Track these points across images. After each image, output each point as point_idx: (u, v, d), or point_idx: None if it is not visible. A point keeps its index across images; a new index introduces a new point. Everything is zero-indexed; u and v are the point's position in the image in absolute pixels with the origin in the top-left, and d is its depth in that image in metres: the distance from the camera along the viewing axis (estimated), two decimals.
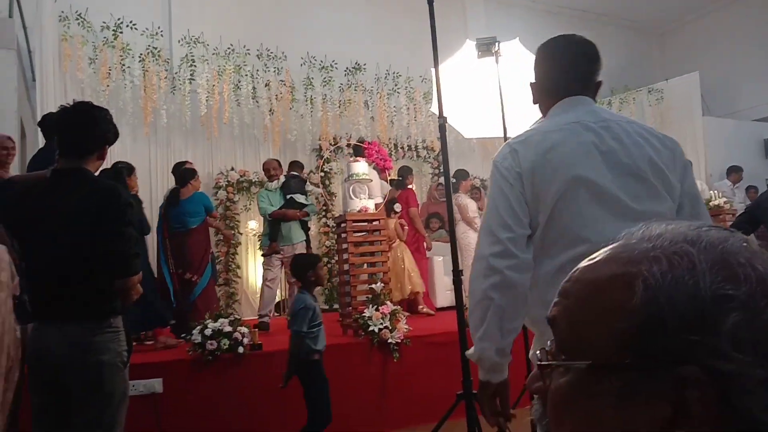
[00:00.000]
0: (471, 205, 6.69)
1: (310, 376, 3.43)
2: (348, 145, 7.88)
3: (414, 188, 8.73)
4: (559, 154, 1.52)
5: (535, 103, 1.72)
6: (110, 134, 2.35)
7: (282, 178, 6.11)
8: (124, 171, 4.81)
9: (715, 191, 7.51)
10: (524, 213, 1.53)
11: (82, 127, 2.27)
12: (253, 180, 7.73)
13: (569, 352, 0.50)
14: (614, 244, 0.53)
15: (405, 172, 6.96)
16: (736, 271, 0.45)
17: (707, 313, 0.44)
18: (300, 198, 5.94)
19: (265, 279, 5.85)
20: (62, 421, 2.20)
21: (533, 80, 1.71)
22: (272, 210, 5.86)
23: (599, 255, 0.53)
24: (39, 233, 2.21)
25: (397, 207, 6.22)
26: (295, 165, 6.49)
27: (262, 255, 6.00)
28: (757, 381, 0.43)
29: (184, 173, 5.64)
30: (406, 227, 6.66)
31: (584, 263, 0.53)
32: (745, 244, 0.48)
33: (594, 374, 0.48)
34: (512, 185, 1.53)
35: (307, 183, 6.64)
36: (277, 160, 6.38)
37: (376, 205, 5.85)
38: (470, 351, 1.58)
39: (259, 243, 7.49)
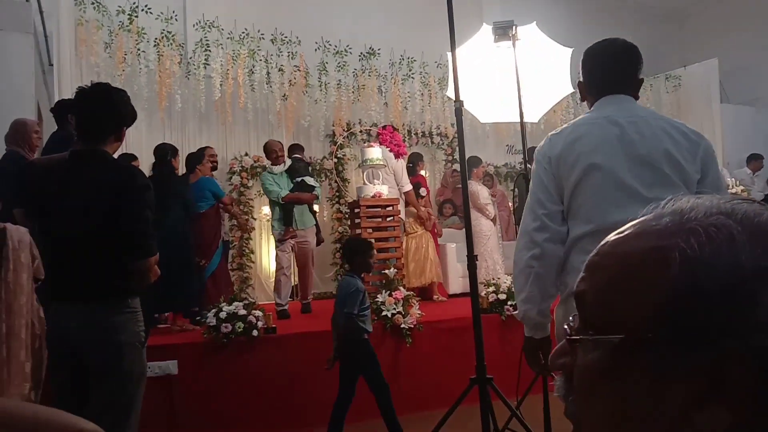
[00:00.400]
0: (483, 192, 6.66)
1: (363, 356, 3.52)
2: (361, 131, 7.87)
3: (426, 175, 8.73)
4: (582, 143, 1.78)
5: (582, 100, 1.97)
6: (128, 116, 2.35)
7: (288, 161, 5.96)
8: (169, 152, 4.93)
9: (734, 179, 7.42)
10: (557, 191, 1.80)
11: (100, 109, 2.28)
12: (267, 166, 7.74)
13: (599, 328, 0.49)
14: (643, 218, 0.51)
15: (415, 159, 6.93)
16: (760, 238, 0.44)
17: (748, 285, 0.42)
18: (310, 181, 5.83)
19: (280, 267, 5.74)
20: (81, 400, 2.23)
21: (581, 80, 1.95)
22: (284, 194, 5.71)
23: (629, 228, 0.51)
24: (57, 214, 2.23)
25: (422, 191, 6.21)
26: (297, 147, 6.39)
27: (278, 241, 5.84)
28: None
29: (187, 158, 5.75)
30: (434, 216, 6.68)
31: (613, 237, 0.52)
32: None
33: (626, 349, 0.46)
34: (546, 169, 1.81)
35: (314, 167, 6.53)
36: (281, 143, 6.20)
37: (407, 193, 5.84)
38: (516, 312, 1.90)
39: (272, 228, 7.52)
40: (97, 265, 2.18)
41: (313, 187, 5.84)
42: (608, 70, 1.86)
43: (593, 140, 1.76)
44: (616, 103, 1.82)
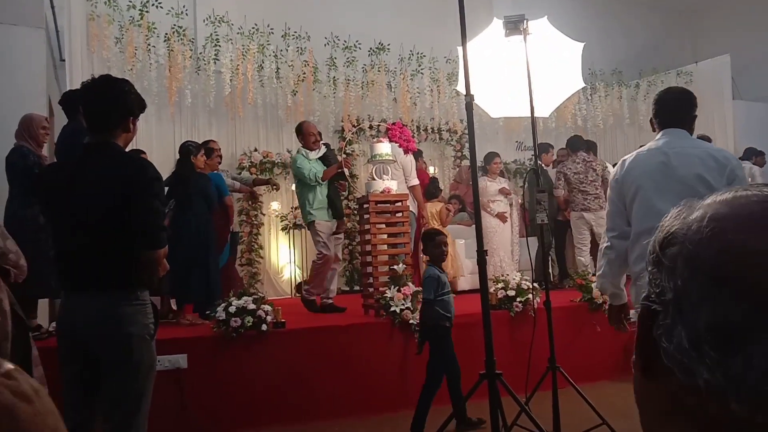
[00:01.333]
0: (490, 188, 6.64)
1: (439, 341, 3.67)
2: (370, 127, 7.85)
3: (435, 171, 8.71)
4: (635, 169, 2.50)
5: (653, 130, 2.66)
6: (133, 106, 2.35)
7: (323, 148, 5.50)
8: (192, 150, 5.04)
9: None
10: (622, 203, 2.52)
11: (104, 101, 2.29)
12: (276, 161, 7.75)
13: None
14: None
15: (415, 155, 6.85)
16: (692, 213, 0.49)
17: (656, 250, 0.50)
18: (345, 172, 5.52)
19: (332, 260, 5.38)
20: (92, 391, 2.25)
21: (651, 117, 2.67)
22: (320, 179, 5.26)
23: None
24: (67, 207, 2.25)
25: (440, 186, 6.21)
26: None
27: (321, 232, 5.29)
28: (667, 303, 0.46)
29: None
30: (452, 213, 6.66)
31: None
32: None
33: None
34: (613, 187, 2.59)
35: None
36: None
37: (413, 188, 5.79)
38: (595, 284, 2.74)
39: (284, 221, 7.47)
40: (106, 256, 2.19)
41: (345, 178, 5.60)
42: (669, 110, 2.56)
43: (643, 166, 2.47)
44: (671, 137, 2.50)
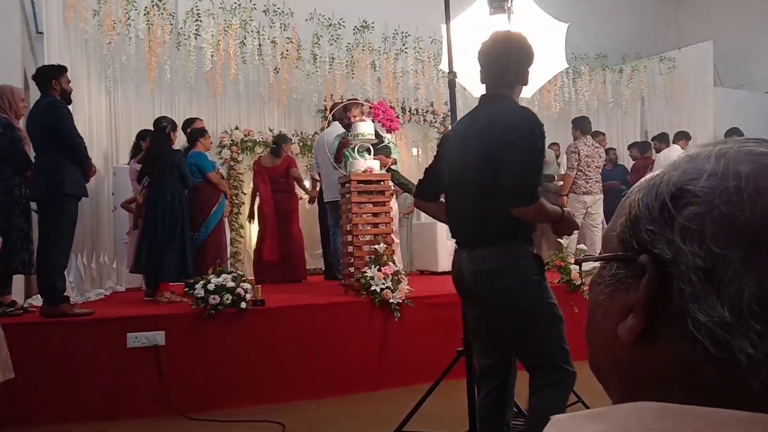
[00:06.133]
0: None
1: None
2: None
3: (419, 152, 8.70)
4: None
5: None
6: (528, 59, 2.33)
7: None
8: (168, 125, 5.07)
9: None
10: None
11: (497, 57, 2.29)
12: (258, 140, 7.67)
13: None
14: None
15: (280, 140, 6.76)
16: (703, 166, 0.46)
17: (665, 206, 0.46)
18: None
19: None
20: (495, 330, 2.33)
21: None
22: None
23: None
24: (452, 163, 2.33)
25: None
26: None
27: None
28: (692, 269, 0.43)
29: (190, 132, 5.79)
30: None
31: None
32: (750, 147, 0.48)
33: (602, 266, 0.53)
34: None
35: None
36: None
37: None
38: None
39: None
40: (481, 212, 2.20)
41: None
42: None
43: None
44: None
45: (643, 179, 0.51)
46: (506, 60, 2.27)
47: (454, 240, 2.40)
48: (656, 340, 0.46)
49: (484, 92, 2.35)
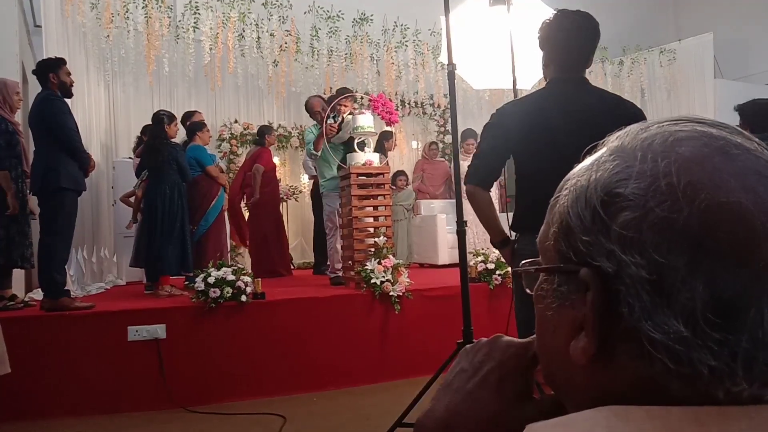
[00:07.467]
0: (464, 166, 6.61)
1: None
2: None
3: (418, 146, 8.69)
4: None
5: None
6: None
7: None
8: (165, 118, 5.03)
9: None
10: None
11: (585, 38, 2.30)
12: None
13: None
14: None
15: (264, 131, 6.70)
16: (631, 163, 0.42)
17: (597, 214, 0.42)
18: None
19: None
20: None
21: None
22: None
23: None
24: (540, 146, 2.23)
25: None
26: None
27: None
28: (638, 282, 0.40)
29: (189, 126, 5.77)
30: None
31: None
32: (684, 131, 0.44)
33: (544, 279, 0.49)
34: None
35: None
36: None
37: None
38: None
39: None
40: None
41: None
42: None
43: None
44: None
45: (568, 176, 0.48)
46: (593, 43, 2.27)
47: (519, 230, 2.33)
48: (612, 358, 0.42)
49: (559, 74, 2.27)
